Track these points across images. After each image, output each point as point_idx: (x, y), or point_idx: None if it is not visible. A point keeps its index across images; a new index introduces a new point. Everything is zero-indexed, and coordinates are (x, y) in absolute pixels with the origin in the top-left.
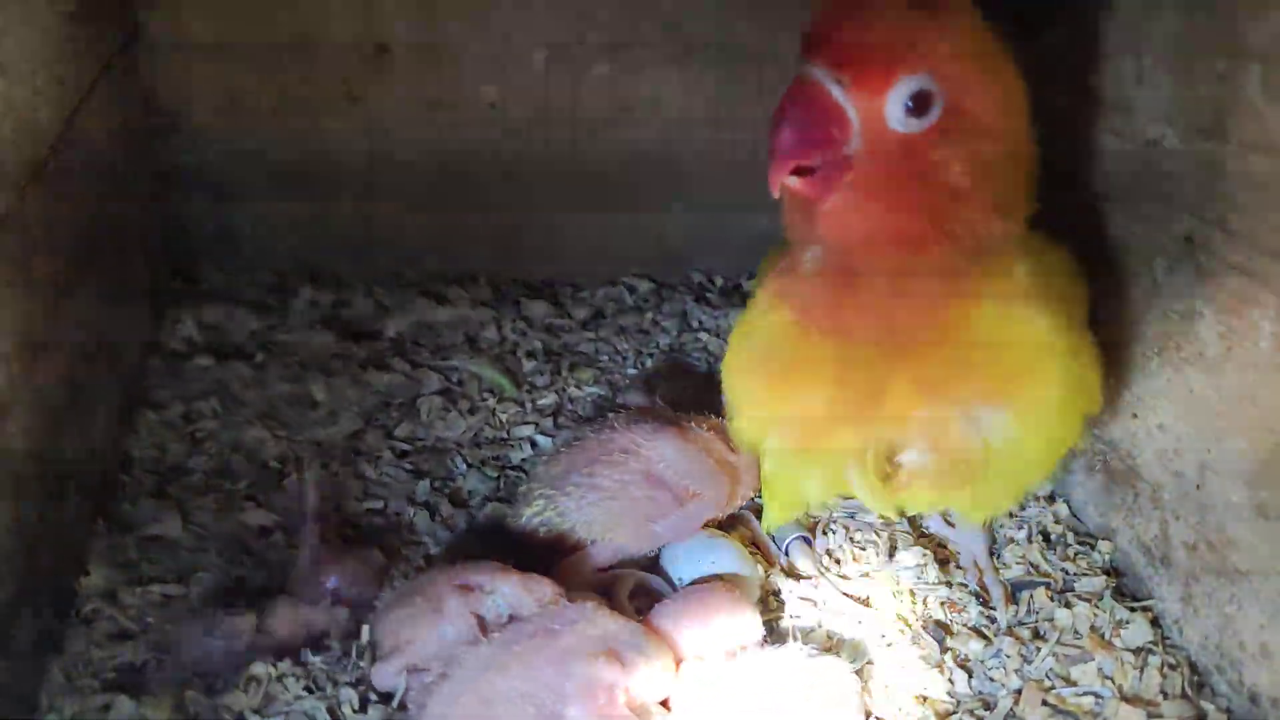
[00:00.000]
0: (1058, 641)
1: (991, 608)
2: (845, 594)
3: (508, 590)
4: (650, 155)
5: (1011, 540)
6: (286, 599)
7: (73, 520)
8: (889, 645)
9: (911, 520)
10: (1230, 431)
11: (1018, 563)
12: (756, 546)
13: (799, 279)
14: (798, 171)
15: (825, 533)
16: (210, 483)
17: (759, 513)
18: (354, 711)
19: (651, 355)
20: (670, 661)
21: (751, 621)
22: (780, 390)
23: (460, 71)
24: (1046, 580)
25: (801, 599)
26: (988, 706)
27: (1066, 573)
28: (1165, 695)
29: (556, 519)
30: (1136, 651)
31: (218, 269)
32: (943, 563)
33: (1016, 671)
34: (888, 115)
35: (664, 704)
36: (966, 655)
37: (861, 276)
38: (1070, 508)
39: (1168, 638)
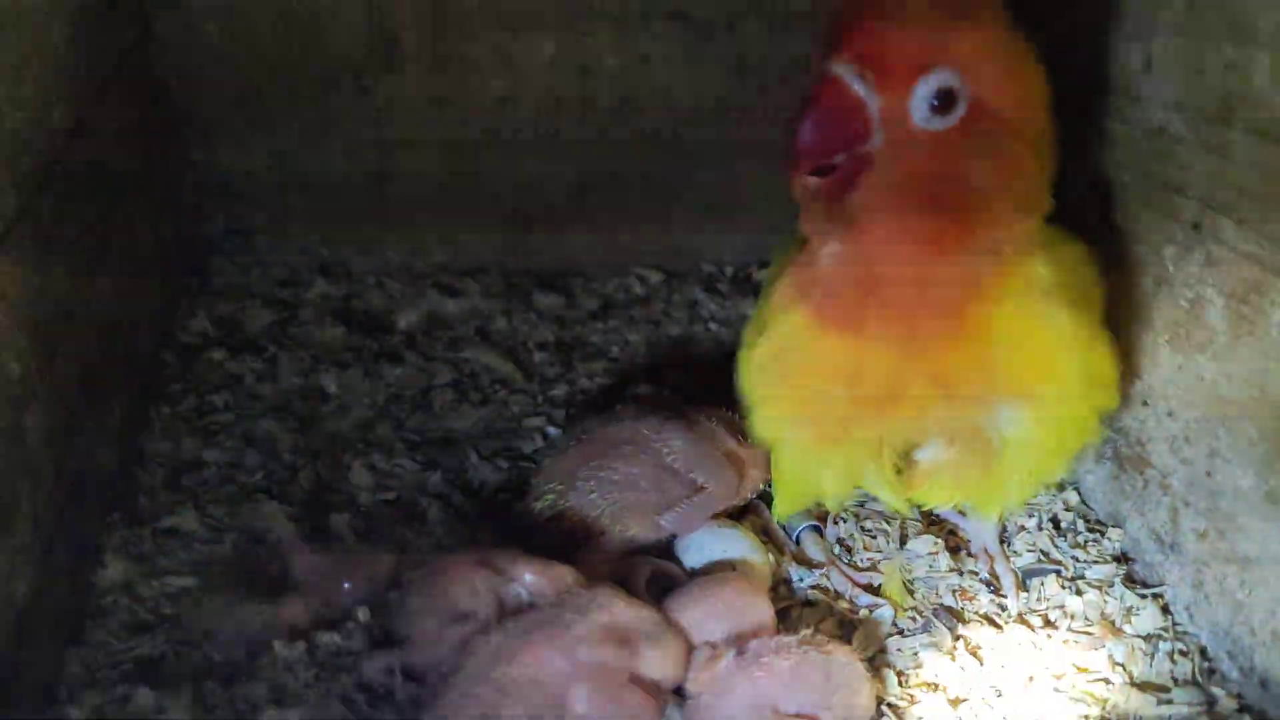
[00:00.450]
0: (1069, 629)
1: (1002, 595)
2: (856, 582)
3: (529, 577)
4: (660, 145)
5: (1022, 528)
6: (300, 590)
7: (89, 513)
8: (900, 633)
9: (921, 509)
10: (1240, 418)
11: (1028, 550)
12: (768, 535)
13: (816, 277)
14: (818, 170)
15: (836, 521)
16: (224, 475)
17: (770, 502)
18: (367, 704)
19: (661, 345)
20: (683, 648)
21: (763, 609)
22: (798, 389)
23: (470, 64)
24: (1057, 567)
25: (813, 587)
26: (999, 694)
27: (1077, 560)
28: (1176, 681)
29: (568, 512)
30: (1147, 638)
31: (230, 263)
32: (953, 550)
33: (1028, 658)
34: (911, 112)
35: (677, 691)
36: (978, 643)
37: (880, 275)
38: (1080, 495)
39: (1178, 624)
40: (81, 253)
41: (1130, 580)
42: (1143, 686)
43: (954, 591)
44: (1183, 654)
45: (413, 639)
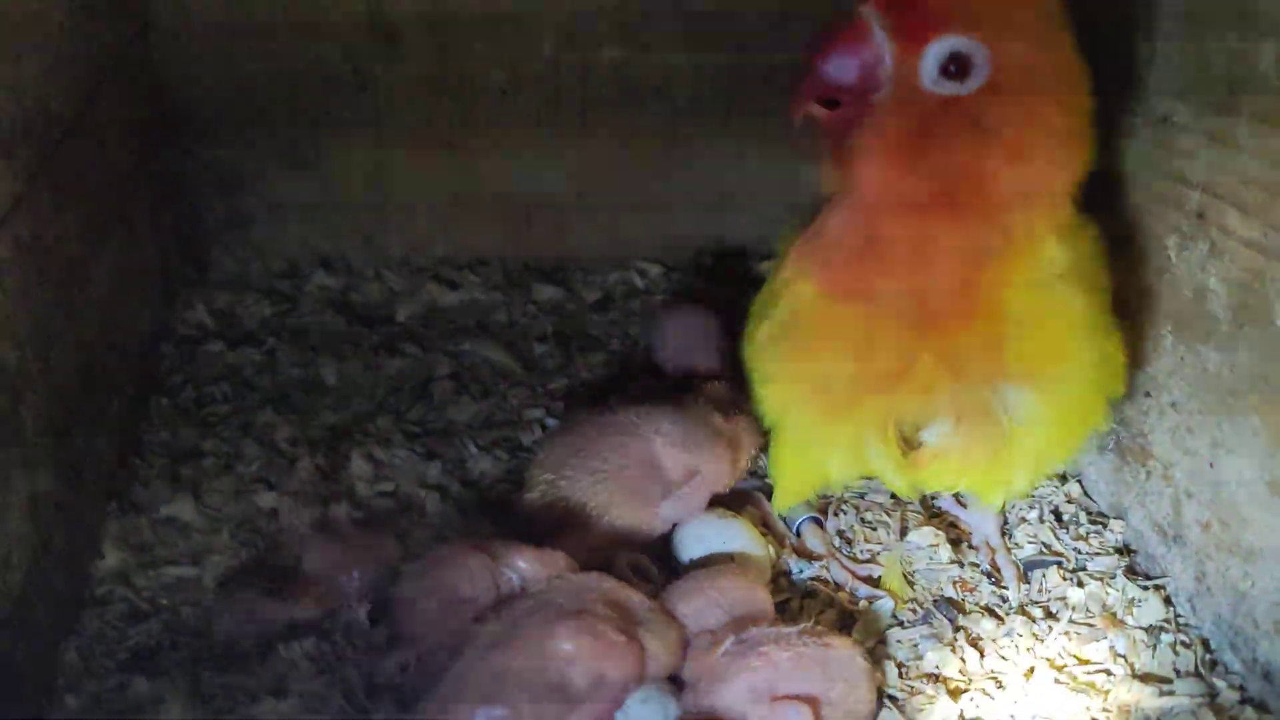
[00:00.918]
0: (1070, 620)
1: (1004, 587)
2: (856, 574)
3: (523, 564)
4: (660, 138)
5: (1024, 520)
6: (301, 581)
7: (87, 503)
8: (900, 624)
9: (923, 500)
10: (1243, 408)
11: (1030, 542)
12: (767, 527)
13: (823, 246)
14: (826, 103)
15: (837, 514)
16: (222, 466)
17: (770, 494)
18: (367, 695)
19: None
20: (677, 636)
21: (762, 600)
22: (803, 359)
23: (470, 55)
24: (1059, 559)
25: (812, 579)
26: (1000, 685)
27: (1079, 552)
28: (1178, 673)
29: (559, 502)
30: (1149, 630)
31: (229, 255)
32: (954, 542)
33: (1029, 650)
34: (922, 71)
35: (672, 679)
36: (979, 634)
37: (886, 243)
38: (1082, 487)
39: (1180, 616)
40: (80, 243)
41: (1132, 572)
42: (1145, 678)
43: (955, 583)
44: (1185, 646)
45: (413, 626)
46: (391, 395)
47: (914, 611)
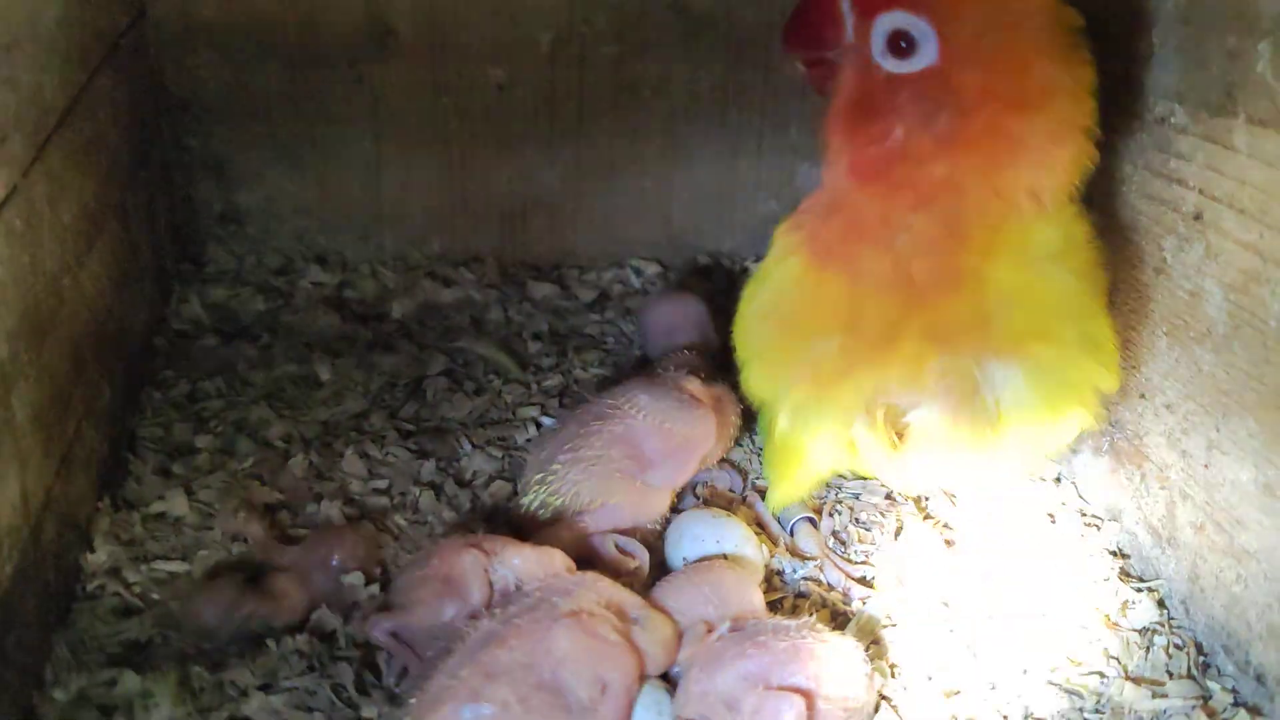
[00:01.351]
0: (1064, 622)
1: (997, 588)
2: (850, 575)
3: (518, 562)
4: (657, 137)
5: (1018, 521)
6: (290, 575)
7: (78, 497)
8: (895, 625)
9: (917, 502)
10: (1238, 410)
11: (1023, 544)
12: (761, 527)
13: (813, 220)
14: (809, 63)
15: (831, 514)
16: (215, 461)
17: (764, 494)
18: (356, 690)
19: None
20: (671, 634)
21: (754, 597)
22: (792, 334)
23: (466, 53)
24: (1053, 561)
25: (805, 579)
26: (993, 686)
27: (1073, 553)
28: (1171, 675)
29: (552, 499)
30: (1142, 632)
31: (224, 250)
32: (947, 543)
33: (1022, 651)
34: (872, 44)
35: (665, 678)
36: (972, 634)
37: (863, 213)
38: (1077, 489)
39: (1174, 618)
40: (74, 235)
41: (1126, 574)
42: (1137, 680)
43: (948, 584)
44: (1178, 648)
45: (406, 613)
46: (385, 392)
47: (908, 612)
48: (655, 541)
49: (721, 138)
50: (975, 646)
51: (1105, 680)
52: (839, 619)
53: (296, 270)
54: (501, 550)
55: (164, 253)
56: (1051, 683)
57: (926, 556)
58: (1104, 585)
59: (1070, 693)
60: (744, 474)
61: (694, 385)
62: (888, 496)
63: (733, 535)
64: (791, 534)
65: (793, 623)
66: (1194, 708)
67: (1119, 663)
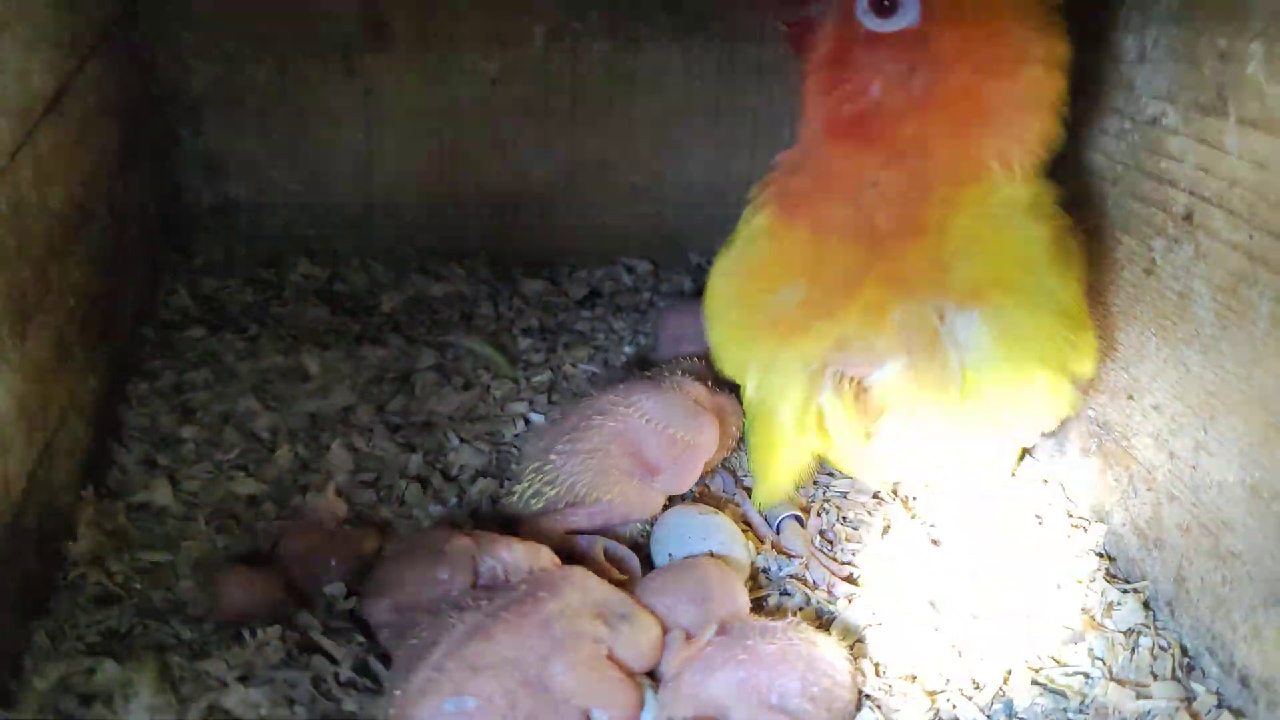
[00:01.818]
0: (1048, 622)
1: (983, 588)
2: (835, 573)
3: (506, 555)
4: (650, 133)
5: (1005, 521)
6: (273, 568)
7: (61, 485)
8: (880, 624)
9: (904, 501)
10: (1225, 411)
11: (1009, 544)
12: (748, 524)
13: (782, 176)
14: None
15: (819, 513)
16: (201, 452)
17: (751, 492)
18: (338, 683)
19: (646, 335)
20: (657, 633)
21: (738, 596)
22: (757, 286)
23: (460, 45)
24: (1038, 561)
25: (791, 577)
26: (977, 686)
27: (1059, 554)
28: (1155, 677)
29: (546, 489)
30: (1127, 633)
31: (214, 241)
32: (934, 543)
33: (1007, 651)
34: (856, 3)
35: (650, 675)
36: (956, 634)
37: (841, 172)
38: (1064, 490)
39: (1159, 620)
40: (61, 222)
41: (1112, 575)
42: (1122, 681)
43: (934, 583)
44: (1163, 649)
45: (390, 596)
46: (374, 385)
47: (893, 611)
48: (643, 540)
49: (714, 135)
50: (960, 646)
51: (1090, 681)
52: (824, 618)
53: (286, 262)
54: (490, 543)
55: (153, 242)
56: (1036, 683)
57: (913, 556)
58: (1090, 586)
59: (1055, 693)
60: (732, 473)
61: (700, 392)
62: (875, 495)
63: (719, 533)
64: (778, 532)
65: (779, 624)
66: (1178, 709)
67: (1104, 664)
